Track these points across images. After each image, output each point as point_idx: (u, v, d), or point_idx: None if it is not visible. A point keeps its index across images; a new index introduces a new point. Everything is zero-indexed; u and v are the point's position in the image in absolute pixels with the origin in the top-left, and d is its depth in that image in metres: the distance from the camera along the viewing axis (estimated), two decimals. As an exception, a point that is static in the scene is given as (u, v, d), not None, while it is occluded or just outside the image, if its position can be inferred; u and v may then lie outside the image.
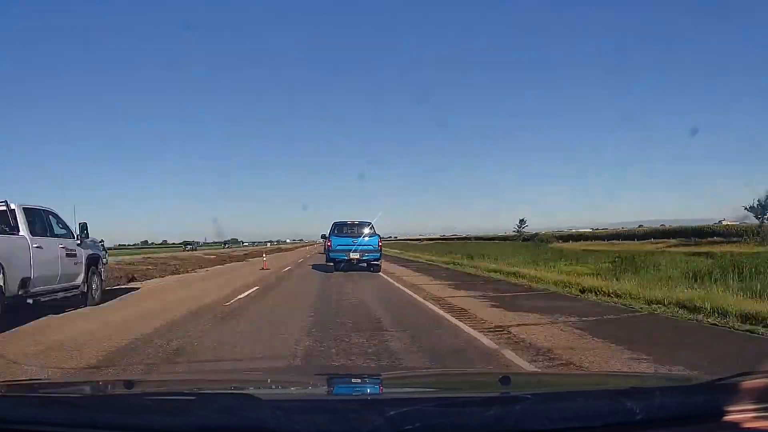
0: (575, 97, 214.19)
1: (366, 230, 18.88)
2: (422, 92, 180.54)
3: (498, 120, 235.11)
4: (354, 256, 18.18)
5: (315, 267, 22.24)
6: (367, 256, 18.39)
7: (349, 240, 18.51)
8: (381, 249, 19.23)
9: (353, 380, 2.25)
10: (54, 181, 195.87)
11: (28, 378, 4.63)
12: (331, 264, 18.84)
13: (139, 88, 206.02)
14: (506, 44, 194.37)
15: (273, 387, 2.08)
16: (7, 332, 7.23)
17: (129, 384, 1.52)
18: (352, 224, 19.51)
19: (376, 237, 18.74)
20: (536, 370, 4.85)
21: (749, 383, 1.29)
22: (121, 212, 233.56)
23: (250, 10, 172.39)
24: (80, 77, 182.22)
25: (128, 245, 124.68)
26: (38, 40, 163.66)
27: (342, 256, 18.34)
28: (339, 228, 19.21)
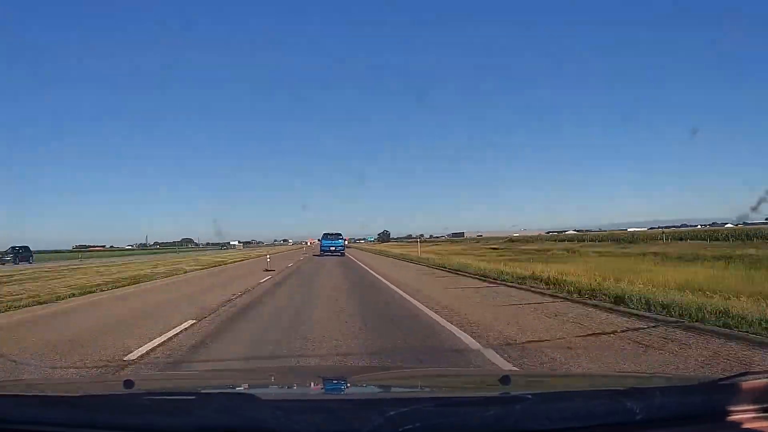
0: (576, 98, 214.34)
1: (339, 237, 42.46)
2: (422, 93, 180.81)
3: (498, 124, 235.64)
4: (332, 248, 40.86)
5: (315, 255, 42.66)
6: (338, 248, 41.26)
7: (330, 241, 41.67)
8: (344, 245, 43.62)
9: (353, 380, 2.25)
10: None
11: (28, 378, 4.63)
12: (322, 252, 41.74)
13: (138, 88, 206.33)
14: (507, 45, 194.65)
15: (273, 387, 2.08)
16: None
17: (129, 384, 1.52)
18: (332, 233, 42.53)
19: (342, 239, 42.85)
20: (535, 370, 4.85)
21: (749, 383, 1.29)
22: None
23: (250, 15, 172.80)
24: (75, 79, 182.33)
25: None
26: (37, 39, 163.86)
27: (327, 249, 41.13)
28: (325, 236, 42.61)
